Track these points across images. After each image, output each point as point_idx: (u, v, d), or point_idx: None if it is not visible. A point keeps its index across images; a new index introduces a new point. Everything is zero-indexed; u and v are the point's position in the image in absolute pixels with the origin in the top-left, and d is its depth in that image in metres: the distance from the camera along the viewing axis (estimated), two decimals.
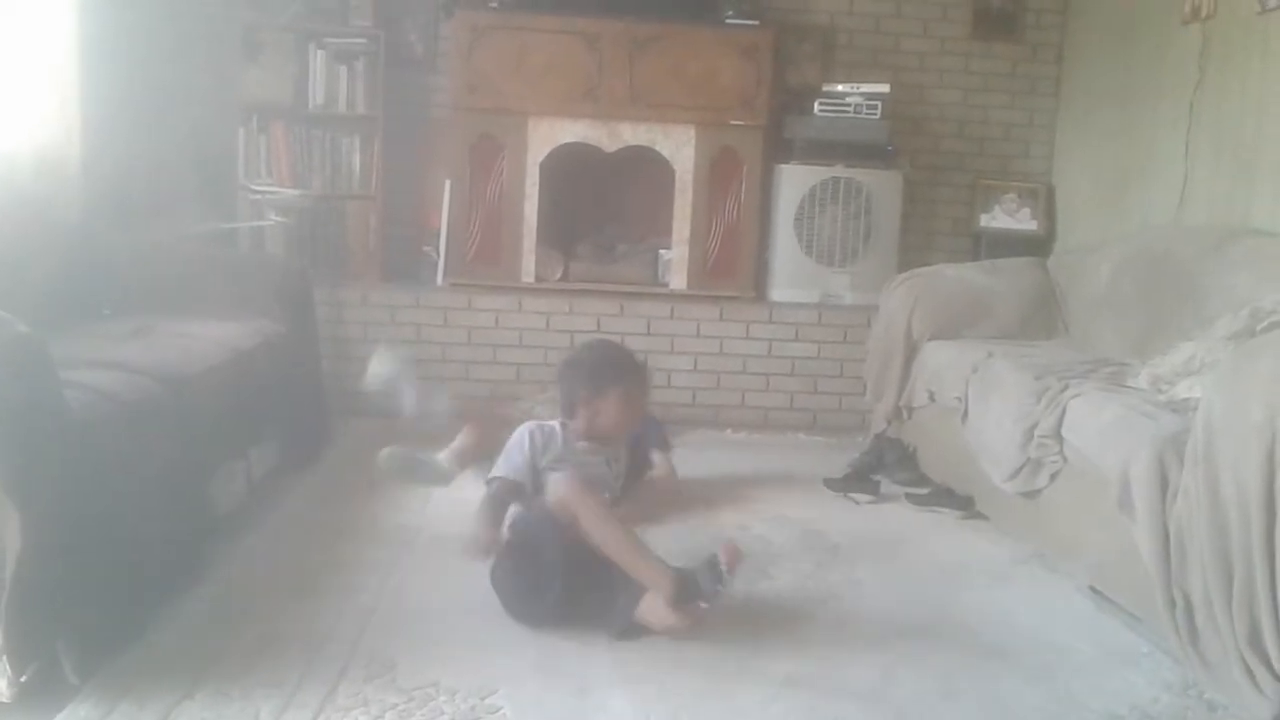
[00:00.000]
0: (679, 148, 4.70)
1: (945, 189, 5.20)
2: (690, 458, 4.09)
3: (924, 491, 3.73)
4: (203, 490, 2.91)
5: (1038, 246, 4.94)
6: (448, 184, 4.67)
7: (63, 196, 3.80)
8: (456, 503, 3.18)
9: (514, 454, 2.86)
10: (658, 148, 4.71)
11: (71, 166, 3.89)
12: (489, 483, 2.82)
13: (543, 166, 4.68)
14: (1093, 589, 2.93)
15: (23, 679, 2.12)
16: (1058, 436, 3.08)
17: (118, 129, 4.19)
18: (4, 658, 2.10)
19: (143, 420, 2.52)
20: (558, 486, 2.64)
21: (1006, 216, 5.13)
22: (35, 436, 2.08)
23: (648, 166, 4.78)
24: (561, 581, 2.53)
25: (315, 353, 4.03)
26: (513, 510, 2.77)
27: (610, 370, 2.98)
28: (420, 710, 2.18)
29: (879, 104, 4.76)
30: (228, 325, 3.40)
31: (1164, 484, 2.52)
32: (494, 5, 4.61)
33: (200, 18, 4.62)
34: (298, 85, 4.69)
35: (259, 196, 4.65)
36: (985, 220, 5.14)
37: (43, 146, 3.75)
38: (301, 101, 4.70)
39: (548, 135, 4.68)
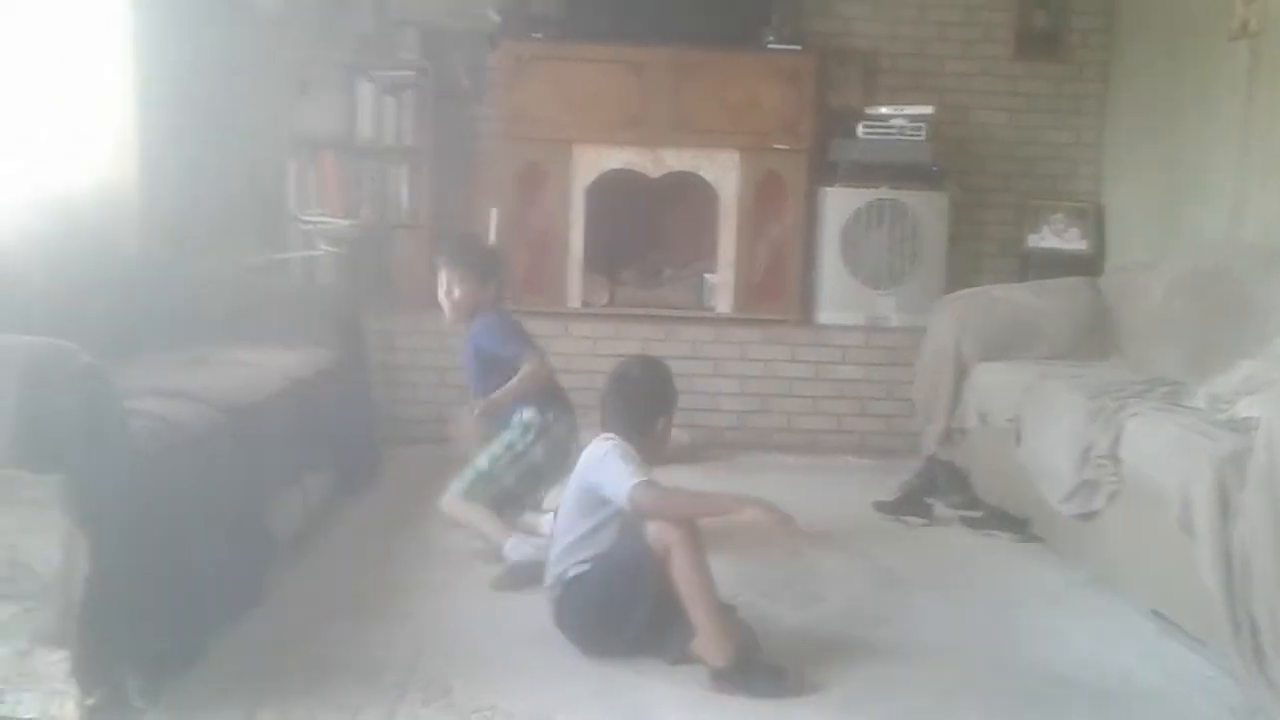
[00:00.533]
0: (723, 173, 4.72)
1: (992, 210, 5.17)
2: (738, 481, 4.08)
3: (978, 514, 3.70)
4: (262, 516, 2.95)
5: (1087, 266, 4.89)
6: (494, 212, 4.72)
7: (122, 228, 3.89)
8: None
9: (631, 459, 2.58)
10: (702, 173, 4.74)
11: (130, 199, 3.98)
12: (648, 484, 2.52)
13: (588, 193, 4.72)
14: (1154, 612, 2.88)
15: (90, 702, 2.16)
16: (1114, 457, 3.05)
17: (174, 162, 4.29)
18: (73, 681, 2.14)
19: (205, 448, 2.57)
20: (664, 522, 2.50)
21: (1054, 236, 5.09)
22: (102, 465, 2.13)
23: (692, 192, 4.80)
24: (650, 615, 2.47)
25: (367, 380, 4.08)
26: (597, 539, 2.61)
27: (670, 389, 2.81)
28: None
29: (923, 125, 4.76)
30: (283, 354, 3.46)
31: (1225, 504, 2.48)
32: (538, 36, 4.67)
33: (252, 53, 4.73)
34: (347, 117, 4.77)
35: (310, 227, 4.73)
36: (1033, 240, 5.10)
37: (102, 180, 3.85)
38: (351, 133, 4.78)
39: (593, 162, 4.72)
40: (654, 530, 2.50)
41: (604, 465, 2.57)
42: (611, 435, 2.64)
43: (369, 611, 2.78)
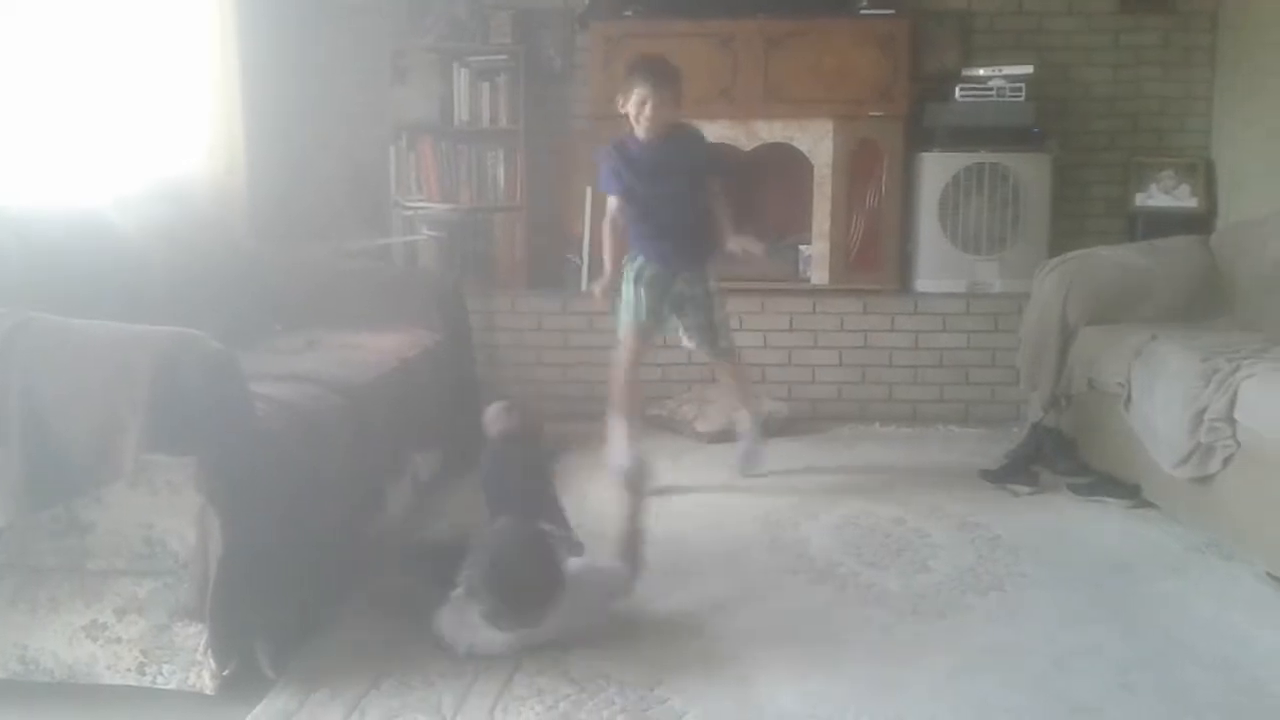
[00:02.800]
0: (817, 142, 4.68)
1: (1097, 169, 5.03)
2: (840, 452, 4.09)
3: (1086, 481, 3.63)
4: (377, 493, 3.05)
5: (1198, 224, 4.73)
6: (588, 191, 4.77)
7: (233, 218, 4.04)
8: (608, 502, 3.24)
9: None
10: (795, 143, 4.71)
11: (239, 189, 4.13)
12: None
13: None
14: (1271, 576, 2.81)
15: (225, 672, 2.27)
16: (1230, 420, 2.97)
17: (279, 152, 4.43)
18: (208, 653, 2.26)
19: (322, 428, 2.67)
20: None
21: (1164, 194, 4.93)
22: (232, 446, 2.23)
23: (786, 162, 4.77)
24: None
25: (470, 360, 4.17)
26: None
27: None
28: (591, 700, 2.25)
29: (1023, 86, 4.64)
30: (390, 336, 3.56)
31: None
32: (628, 14, 4.69)
33: (351, 42, 4.85)
34: (443, 103, 4.86)
35: (411, 212, 4.84)
36: (1141, 199, 4.95)
37: (214, 171, 4.00)
38: (447, 119, 4.87)
39: None
40: None
41: None
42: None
43: None
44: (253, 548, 2.25)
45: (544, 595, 2.40)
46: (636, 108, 3.50)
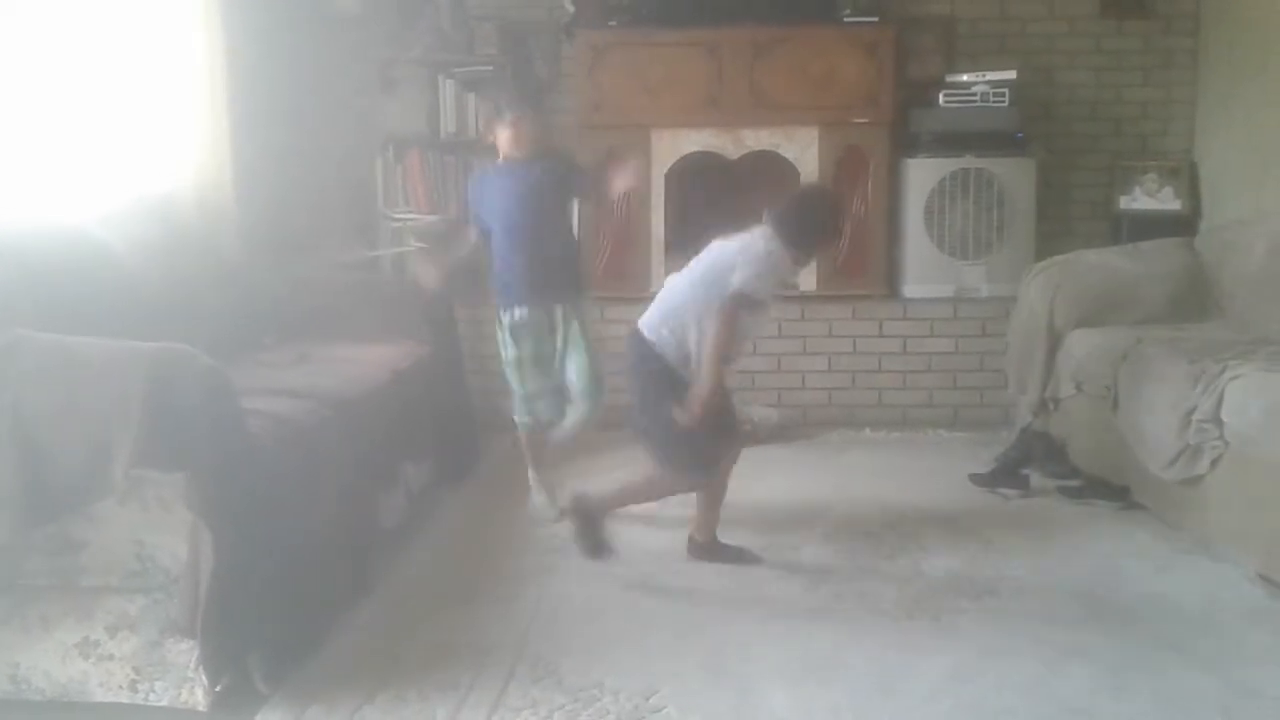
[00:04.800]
0: (803, 149, 4.70)
1: (1081, 173, 5.05)
2: (831, 458, 4.10)
3: (1076, 484, 3.65)
4: (368, 506, 3.05)
5: (1183, 226, 4.76)
6: (576, 200, 4.77)
7: (221, 233, 4.02)
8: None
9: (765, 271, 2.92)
10: (781, 151, 4.72)
11: (227, 204, 4.11)
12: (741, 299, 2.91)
13: (668, 177, 4.74)
14: (1262, 576, 2.83)
15: (217, 689, 2.27)
16: (1217, 420, 2.99)
17: (266, 166, 4.42)
18: (201, 669, 2.25)
19: (314, 442, 2.66)
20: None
21: (1148, 197, 4.96)
22: (223, 462, 2.23)
23: (772, 170, 4.78)
24: None
25: (461, 371, 4.17)
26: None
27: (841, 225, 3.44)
28: (586, 710, 2.26)
29: (1006, 91, 4.67)
30: (381, 348, 3.55)
31: None
32: (613, 24, 4.70)
33: (336, 54, 4.85)
34: (430, 115, 4.86)
35: (399, 223, 4.84)
36: (1125, 202, 4.98)
37: (201, 186, 3.98)
38: (434, 130, 4.87)
39: (671, 146, 4.74)
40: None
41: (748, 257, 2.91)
42: (774, 237, 2.93)
43: (475, 595, 2.87)
44: (244, 563, 2.25)
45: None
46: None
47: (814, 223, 3.02)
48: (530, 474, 3.63)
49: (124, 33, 3.65)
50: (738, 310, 2.87)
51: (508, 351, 3.53)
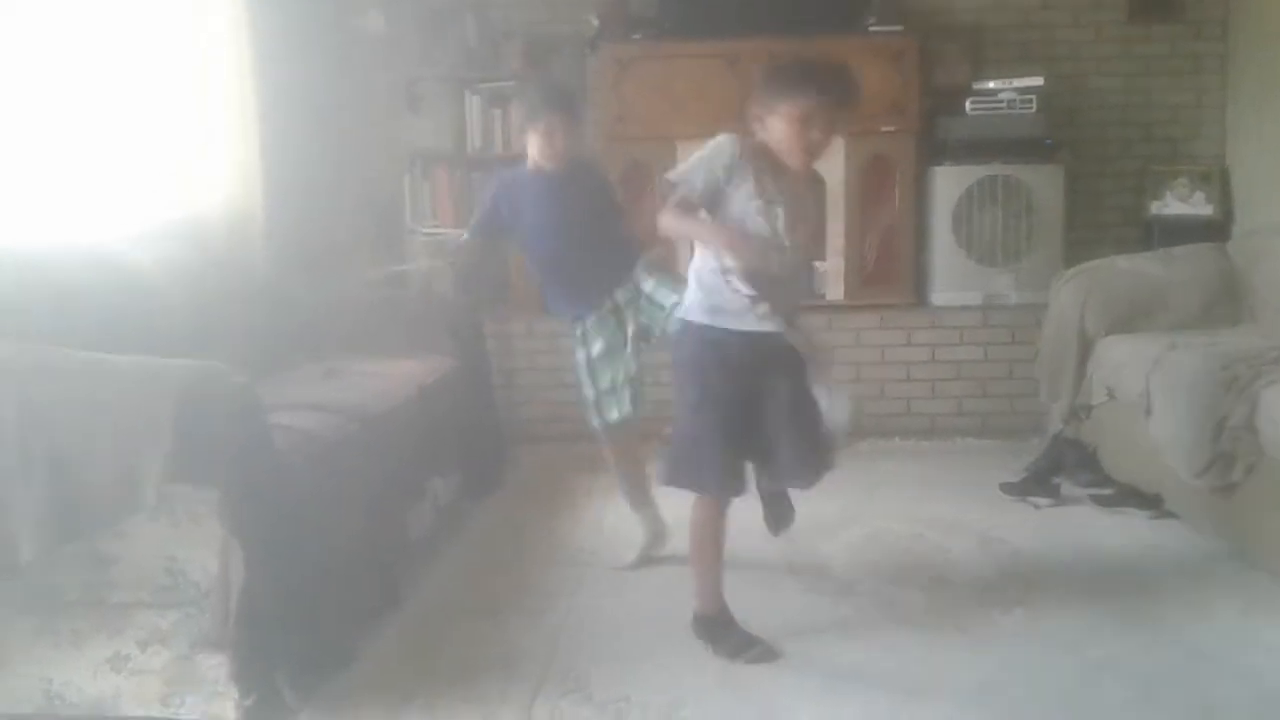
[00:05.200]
0: (828, 159, 4.69)
1: (1111, 179, 5.02)
2: (859, 468, 4.07)
3: (1108, 492, 3.61)
4: (397, 520, 3.07)
5: (1215, 231, 4.71)
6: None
7: (250, 251, 4.06)
8: (628, 522, 3.25)
9: (699, 160, 2.40)
10: None
11: (256, 222, 4.15)
12: (671, 187, 2.42)
13: None
14: None
15: (248, 703, 2.29)
16: (1251, 428, 2.95)
17: (296, 184, 4.47)
18: (232, 683, 2.27)
19: (342, 457, 2.69)
20: None
21: (1179, 202, 4.91)
22: (253, 477, 2.25)
23: None
24: None
25: (488, 384, 4.19)
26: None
27: (786, 77, 2.41)
28: None
29: (1033, 98, 4.65)
30: (408, 363, 3.58)
31: None
32: (637, 37, 4.72)
33: (363, 72, 4.90)
34: (456, 131, 4.90)
35: (427, 239, 4.88)
36: (1156, 208, 4.93)
37: (230, 206, 4.03)
38: (461, 146, 4.91)
39: None
40: None
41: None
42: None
43: (504, 609, 2.87)
44: (275, 577, 2.27)
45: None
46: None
47: (782, 67, 2.42)
48: (623, 497, 3.28)
49: (154, 53, 3.70)
50: (670, 204, 2.36)
51: (578, 355, 3.20)
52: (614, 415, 3.16)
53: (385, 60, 4.93)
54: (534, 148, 3.15)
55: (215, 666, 2.28)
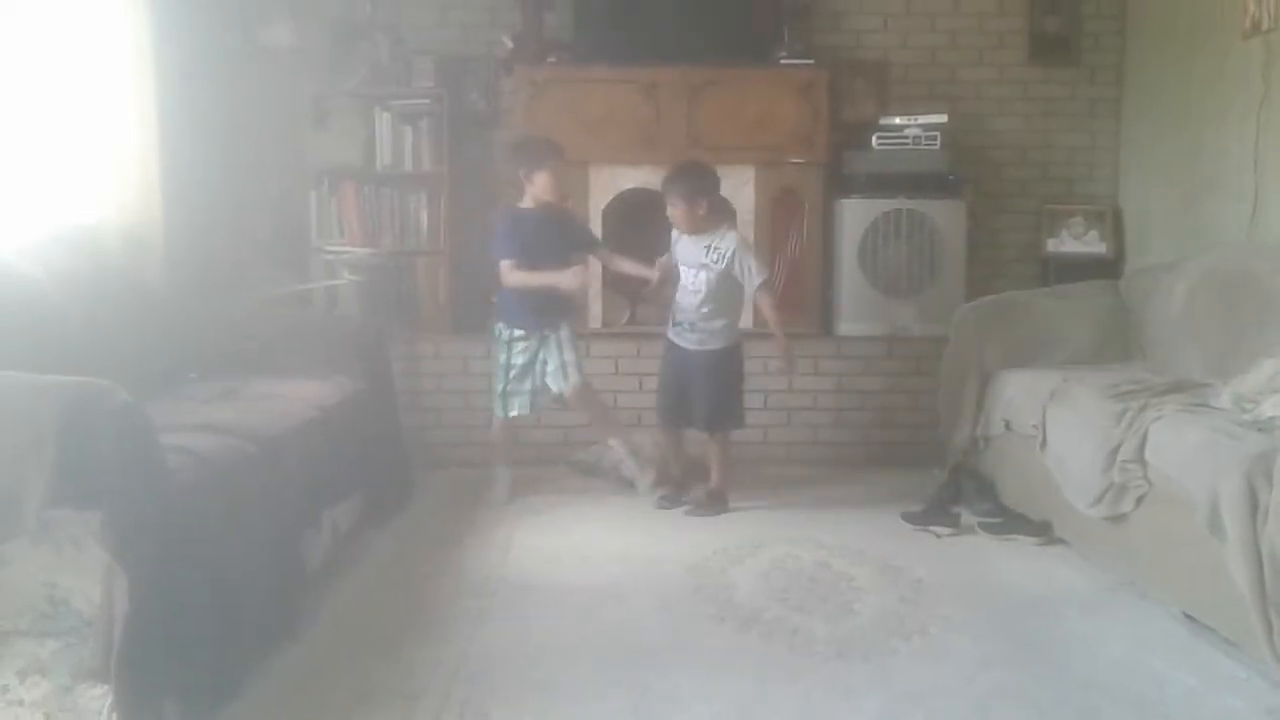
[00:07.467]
0: (739, 188, 4.74)
1: (1010, 216, 5.17)
2: (765, 496, 4.11)
3: (998, 520, 3.69)
4: (294, 547, 2.98)
5: (1107, 269, 4.88)
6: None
7: (148, 265, 3.94)
8: (534, 550, 3.22)
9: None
10: None
11: (155, 236, 4.03)
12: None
13: (605, 213, 4.75)
14: (1185, 615, 2.87)
15: None
16: (1141, 460, 3.04)
17: (196, 199, 4.35)
18: (114, 716, 2.17)
19: (237, 480, 2.60)
20: None
21: (1074, 240, 5.08)
22: (140, 501, 2.16)
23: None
24: None
25: (393, 406, 4.11)
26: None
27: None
28: None
29: (938, 134, 4.77)
30: (310, 384, 3.50)
31: (1254, 504, 2.48)
32: (551, 60, 4.72)
33: (270, 87, 4.79)
34: (365, 147, 4.82)
35: (332, 256, 4.78)
36: (1052, 245, 5.10)
37: (128, 219, 3.90)
38: (370, 162, 4.83)
39: (609, 183, 4.75)
40: None
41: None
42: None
43: (403, 639, 2.80)
44: (161, 606, 2.18)
45: None
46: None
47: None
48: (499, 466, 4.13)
49: (52, 62, 3.57)
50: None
51: (502, 357, 4.03)
52: (514, 411, 4.04)
53: (293, 74, 4.83)
54: (542, 186, 3.96)
55: (97, 698, 2.18)
